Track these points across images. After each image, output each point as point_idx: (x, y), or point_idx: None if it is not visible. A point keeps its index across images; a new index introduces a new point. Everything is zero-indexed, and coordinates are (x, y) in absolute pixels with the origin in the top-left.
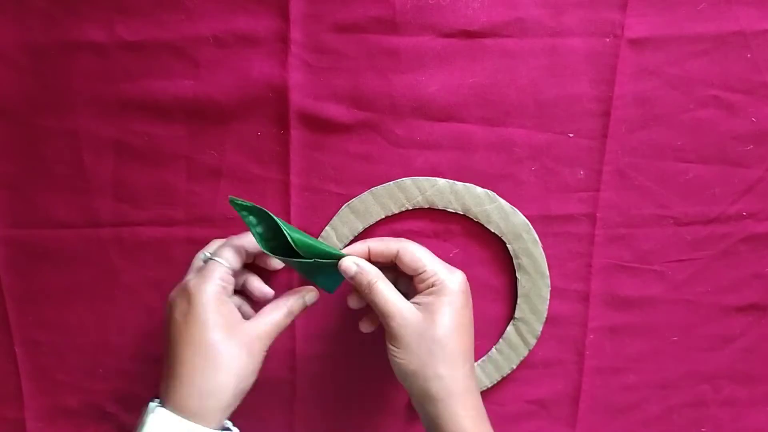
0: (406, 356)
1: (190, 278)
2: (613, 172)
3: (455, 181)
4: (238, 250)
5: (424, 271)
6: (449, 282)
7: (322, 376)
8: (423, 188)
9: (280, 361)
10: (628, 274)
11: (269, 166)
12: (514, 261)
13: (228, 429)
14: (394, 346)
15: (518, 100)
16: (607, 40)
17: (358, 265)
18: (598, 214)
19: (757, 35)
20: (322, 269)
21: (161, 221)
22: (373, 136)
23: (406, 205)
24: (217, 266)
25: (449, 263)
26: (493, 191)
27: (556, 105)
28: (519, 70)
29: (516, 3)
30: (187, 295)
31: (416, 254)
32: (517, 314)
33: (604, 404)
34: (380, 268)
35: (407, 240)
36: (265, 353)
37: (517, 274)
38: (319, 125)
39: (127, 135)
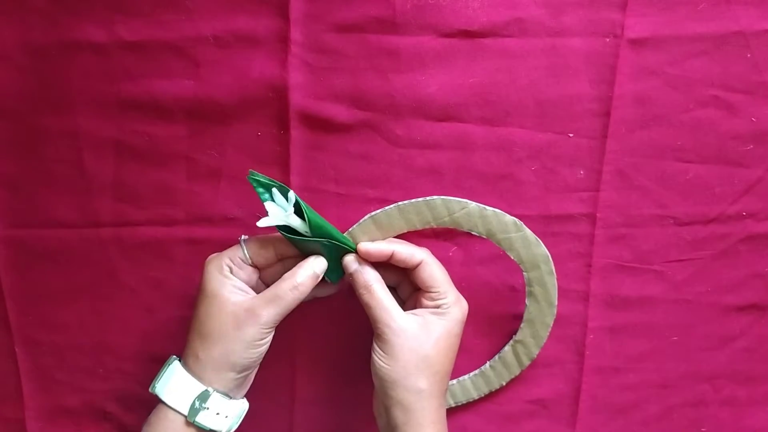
0: (392, 363)
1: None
2: (613, 172)
3: (486, 206)
4: (264, 244)
5: (437, 292)
6: (455, 309)
7: (322, 376)
8: (452, 209)
9: (280, 361)
10: (628, 274)
11: (269, 166)
12: (527, 288)
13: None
14: (383, 351)
15: (518, 100)
16: (607, 40)
17: (359, 263)
18: (598, 214)
19: (757, 35)
20: (330, 254)
21: (161, 221)
22: (373, 136)
23: (431, 223)
24: (234, 249)
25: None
26: (493, 191)
27: (556, 105)
28: (519, 70)
29: (516, 3)
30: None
31: (435, 274)
32: (517, 336)
33: (604, 404)
34: (389, 268)
35: (430, 254)
36: (263, 330)
37: (526, 301)
38: (319, 125)
39: (127, 135)
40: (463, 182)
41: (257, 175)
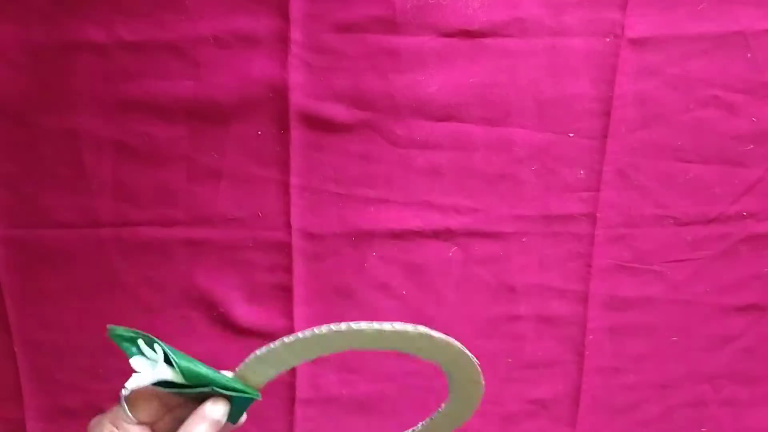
0: None
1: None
2: (613, 172)
3: (382, 324)
4: (148, 397)
5: None
6: None
7: (322, 376)
8: (349, 339)
9: None
10: (628, 274)
11: (269, 166)
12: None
13: None
14: None
15: (518, 100)
16: (607, 39)
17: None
18: (598, 214)
19: (757, 35)
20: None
21: (161, 221)
22: (373, 136)
23: (326, 353)
24: (115, 410)
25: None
26: (493, 191)
27: (556, 105)
28: (519, 70)
29: (516, 3)
30: None
31: None
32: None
33: (604, 404)
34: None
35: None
36: None
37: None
38: (319, 125)
39: (127, 135)
40: (463, 182)
41: (118, 330)
